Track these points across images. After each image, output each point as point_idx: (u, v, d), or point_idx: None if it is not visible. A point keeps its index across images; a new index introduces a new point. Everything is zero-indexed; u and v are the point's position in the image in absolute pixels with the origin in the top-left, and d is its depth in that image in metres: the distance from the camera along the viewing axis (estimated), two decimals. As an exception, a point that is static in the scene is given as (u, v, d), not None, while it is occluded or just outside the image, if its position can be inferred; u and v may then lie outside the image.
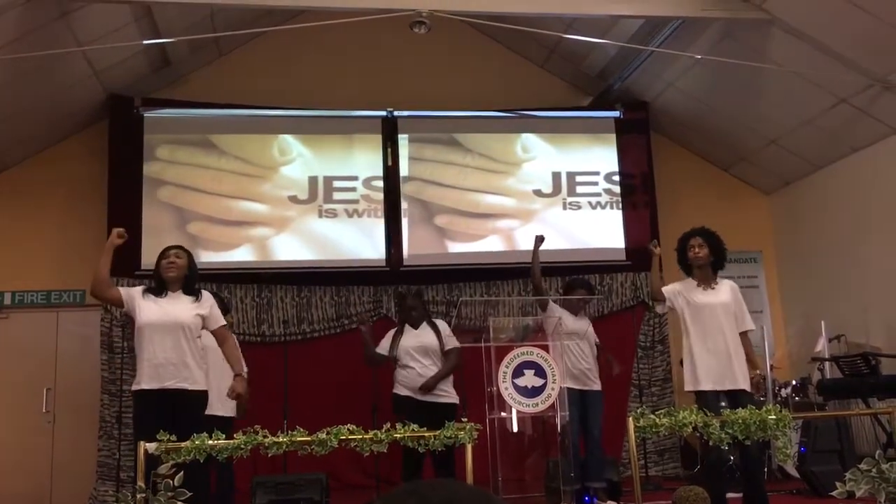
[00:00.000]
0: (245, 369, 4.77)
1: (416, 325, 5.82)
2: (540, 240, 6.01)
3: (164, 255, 4.67)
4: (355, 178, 8.10)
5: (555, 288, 8.01)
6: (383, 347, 5.80)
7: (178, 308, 4.53)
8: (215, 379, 5.42)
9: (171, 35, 6.98)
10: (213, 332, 4.65)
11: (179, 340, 4.46)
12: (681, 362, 5.56)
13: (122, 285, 6.29)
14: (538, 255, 5.94)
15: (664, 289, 5.11)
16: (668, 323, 7.94)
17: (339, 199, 8.01)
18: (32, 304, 7.73)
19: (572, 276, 6.79)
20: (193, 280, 4.66)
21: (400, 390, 5.66)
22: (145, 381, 4.41)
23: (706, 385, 4.77)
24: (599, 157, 8.48)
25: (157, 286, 4.62)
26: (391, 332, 5.89)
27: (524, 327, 5.52)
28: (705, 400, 4.65)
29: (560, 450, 5.33)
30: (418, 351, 5.65)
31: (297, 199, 7.94)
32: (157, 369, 4.40)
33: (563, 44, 8.24)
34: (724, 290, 4.99)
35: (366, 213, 8.01)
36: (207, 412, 4.67)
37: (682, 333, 5.07)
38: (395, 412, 5.36)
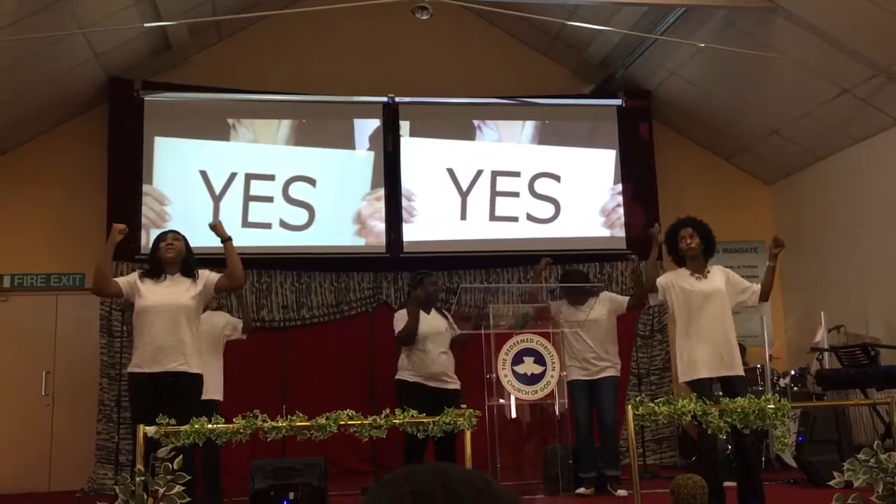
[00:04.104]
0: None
1: (429, 311, 5.80)
2: (546, 263, 6.05)
3: (161, 238, 4.70)
4: (355, 164, 8.09)
5: (554, 276, 8.01)
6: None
7: (178, 291, 4.55)
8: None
9: (172, 18, 6.95)
10: (219, 283, 4.64)
11: (179, 323, 4.48)
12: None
13: (122, 270, 6.32)
14: (541, 278, 6.01)
15: (658, 280, 5.09)
16: (667, 312, 7.94)
17: (338, 185, 7.99)
18: (32, 287, 7.73)
19: (567, 267, 6.71)
20: (191, 263, 4.67)
21: (407, 376, 5.63)
22: (146, 364, 4.43)
23: (702, 373, 4.76)
24: (601, 146, 8.45)
25: (155, 269, 4.62)
26: (403, 315, 5.78)
27: (524, 315, 5.52)
28: (700, 387, 4.64)
29: (558, 437, 5.34)
30: (434, 337, 5.64)
31: (297, 184, 7.91)
32: (157, 352, 4.42)
33: (566, 31, 8.20)
34: (717, 278, 4.97)
35: (366, 199, 7.99)
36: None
37: (675, 323, 5.05)
38: (400, 399, 5.22)
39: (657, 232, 5.24)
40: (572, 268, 6.59)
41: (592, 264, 8.01)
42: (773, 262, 4.96)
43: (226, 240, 4.66)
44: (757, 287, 4.95)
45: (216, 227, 4.69)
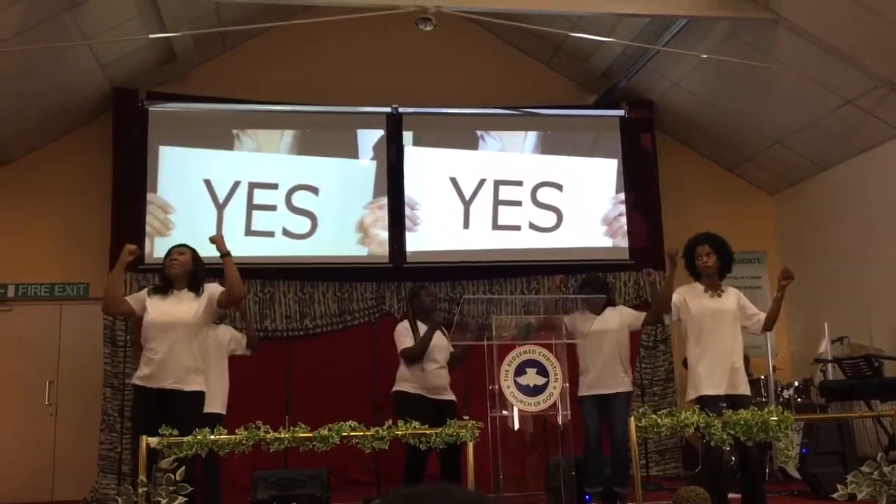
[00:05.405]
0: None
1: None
2: (561, 281, 6.04)
3: (168, 253, 4.72)
4: (358, 173, 8.11)
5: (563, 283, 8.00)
6: (412, 340, 5.64)
7: (181, 307, 4.54)
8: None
9: (177, 29, 6.98)
10: (219, 298, 4.62)
11: (178, 342, 4.45)
12: (683, 363, 5.54)
13: (127, 279, 6.33)
14: (558, 292, 5.98)
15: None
16: (670, 323, 7.93)
17: (341, 194, 8.01)
18: (36, 297, 7.74)
19: (587, 274, 6.48)
20: (199, 277, 4.63)
21: (408, 388, 5.59)
22: (147, 379, 4.44)
23: (709, 390, 4.76)
24: (604, 156, 8.47)
25: (163, 285, 4.65)
26: (407, 327, 5.75)
27: (527, 325, 5.50)
28: (706, 404, 4.64)
29: (561, 449, 5.32)
30: (438, 351, 5.62)
31: (299, 192, 7.94)
32: (155, 369, 4.43)
33: (569, 42, 8.23)
34: (731, 299, 4.98)
35: (368, 208, 8.01)
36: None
37: (685, 339, 5.04)
38: (398, 411, 5.22)
39: (675, 254, 5.17)
40: (592, 275, 6.40)
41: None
42: (780, 293, 4.94)
43: (225, 255, 4.62)
44: (762, 316, 4.96)
45: (217, 242, 4.66)
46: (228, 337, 5.81)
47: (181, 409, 4.40)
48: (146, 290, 4.73)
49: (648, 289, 6.41)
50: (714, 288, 4.98)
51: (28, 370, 7.57)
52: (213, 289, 4.65)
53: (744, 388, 4.86)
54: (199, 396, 4.53)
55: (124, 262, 4.55)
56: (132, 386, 4.62)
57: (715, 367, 4.80)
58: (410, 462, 5.34)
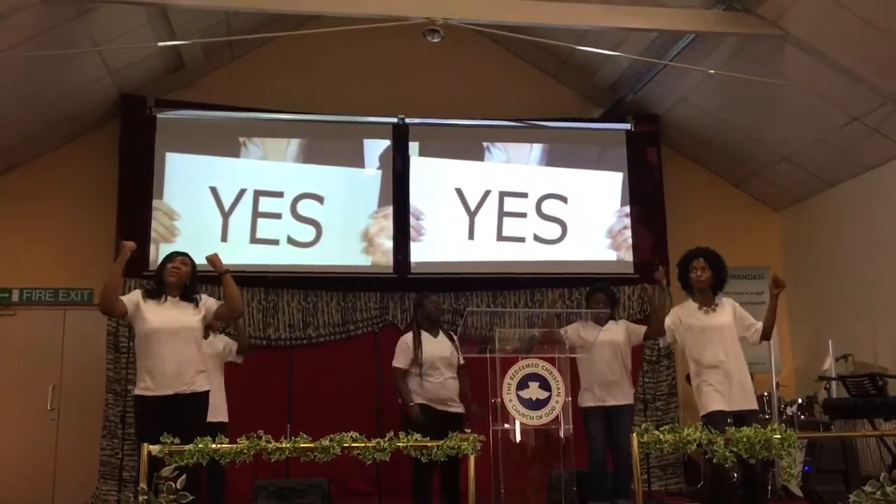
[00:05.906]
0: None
1: (436, 333, 5.80)
2: (560, 296, 6.03)
3: (170, 259, 4.73)
4: (363, 182, 8.12)
5: (563, 298, 8.00)
6: (405, 360, 5.69)
7: (183, 313, 4.60)
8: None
9: (186, 37, 7.01)
10: (218, 311, 4.70)
11: (188, 345, 4.52)
12: (687, 378, 5.53)
13: (130, 286, 6.34)
14: (556, 306, 5.99)
15: (665, 322, 5.09)
16: (664, 346, 7.90)
17: (346, 203, 8.02)
18: (40, 302, 7.76)
19: (597, 283, 6.32)
20: (192, 289, 4.70)
21: (414, 398, 5.60)
22: (156, 387, 4.44)
23: (715, 406, 4.75)
24: (609, 170, 8.47)
25: (157, 289, 4.66)
26: (409, 341, 5.78)
27: (530, 339, 5.49)
28: (713, 420, 4.63)
29: (563, 463, 5.30)
30: (443, 362, 5.64)
31: (305, 201, 7.94)
32: (168, 375, 4.45)
33: (576, 55, 8.24)
34: (726, 311, 4.98)
35: (373, 217, 8.02)
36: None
37: (686, 358, 5.04)
38: (406, 423, 5.23)
39: (662, 276, 5.24)
40: (603, 283, 6.31)
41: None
42: (773, 302, 4.95)
43: (222, 273, 4.69)
44: (760, 325, 4.95)
45: (214, 262, 4.73)
46: (222, 345, 5.88)
47: (194, 410, 4.47)
48: (139, 291, 4.72)
49: (649, 301, 6.41)
50: (707, 303, 4.99)
51: (31, 374, 7.58)
52: (210, 302, 4.73)
53: (751, 403, 4.84)
54: (207, 396, 4.62)
55: (124, 258, 4.55)
56: (136, 398, 4.58)
57: (719, 383, 4.78)
58: (417, 474, 5.35)
